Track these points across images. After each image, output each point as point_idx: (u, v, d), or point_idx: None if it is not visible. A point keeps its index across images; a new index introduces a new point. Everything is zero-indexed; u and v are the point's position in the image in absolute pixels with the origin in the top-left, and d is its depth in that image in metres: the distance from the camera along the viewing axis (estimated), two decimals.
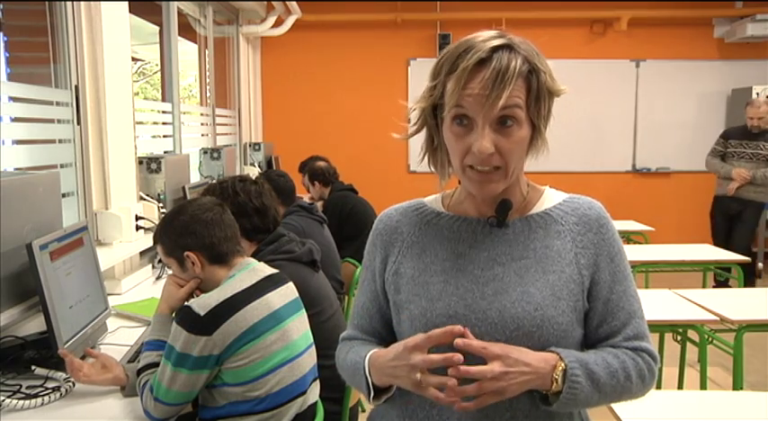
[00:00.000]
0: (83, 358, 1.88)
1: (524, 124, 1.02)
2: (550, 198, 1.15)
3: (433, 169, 1.14)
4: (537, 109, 1.03)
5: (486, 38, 1.02)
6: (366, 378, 1.09)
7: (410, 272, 1.13)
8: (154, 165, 3.47)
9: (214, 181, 2.42)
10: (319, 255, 2.27)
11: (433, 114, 1.08)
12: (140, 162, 3.39)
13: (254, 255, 2.12)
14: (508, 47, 1.02)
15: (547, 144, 1.08)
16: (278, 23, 6.47)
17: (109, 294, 2.29)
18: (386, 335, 1.19)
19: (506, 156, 1.02)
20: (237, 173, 5.45)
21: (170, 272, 1.80)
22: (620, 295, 1.09)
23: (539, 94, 1.02)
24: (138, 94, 10.01)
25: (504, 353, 0.98)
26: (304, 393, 1.70)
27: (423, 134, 1.13)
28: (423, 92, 1.08)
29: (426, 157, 1.13)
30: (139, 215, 2.99)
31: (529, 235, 1.10)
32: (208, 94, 5.59)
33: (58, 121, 2.69)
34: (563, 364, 1.01)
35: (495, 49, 1.01)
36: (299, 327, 1.73)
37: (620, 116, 7.07)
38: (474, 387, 0.98)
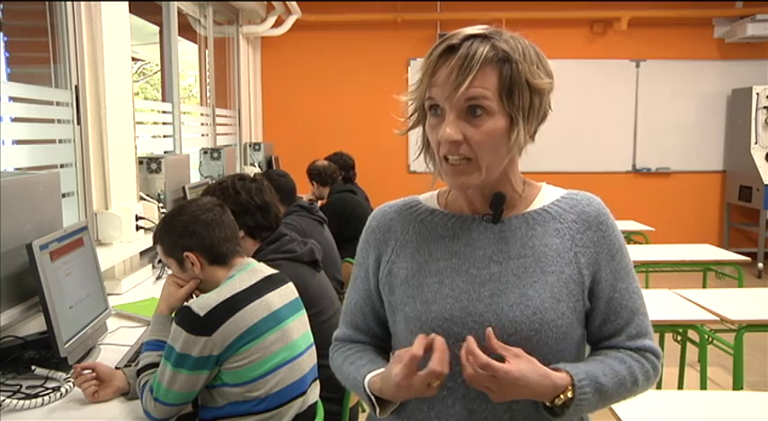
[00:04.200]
0: (86, 355, 1.88)
1: (497, 115, 0.99)
2: (548, 194, 1.12)
3: (429, 166, 1.11)
4: (511, 100, 0.99)
5: (468, 29, 1.01)
6: (370, 398, 1.07)
7: (404, 272, 1.10)
8: (154, 165, 3.48)
9: (214, 181, 2.42)
10: (321, 255, 2.27)
11: (423, 107, 1.06)
12: (140, 162, 3.39)
13: (255, 254, 2.12)
14: (482, 36, 1.00)
15: (525, 139, 1.02)
16: (278, 23, 6.47)
17: (109, 294, 2.29)
18: (380, 332, 1.18)
19: (475, 146, 0.99)
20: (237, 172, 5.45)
21: (170, 272, 1.80)
22: (623, 293, 1.07)
23: (512, 85, 0.98)
24: (138, 94, 10.00)
25: (511, 379, 0.95)
26: (304, 393, 1.70)
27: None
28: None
29: (422, 154, 1.11)
30: (139, 215, 2.99)
31: (526, 232, 1.07)
32: (208, 94, 5.59)
33: (58, 121, 2.68)
34: (571, 392, 0.99)
35: (468, 37, 1.00)
36: (299, 328, 1.73)
37: (620, 116, 7.07)
38: (474, 376, 0.96)
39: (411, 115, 1.09)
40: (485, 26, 1.02)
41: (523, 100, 1.00)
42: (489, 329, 0.98)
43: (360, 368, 1.11)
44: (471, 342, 0.96)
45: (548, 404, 1.01)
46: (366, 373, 1.08)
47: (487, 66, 0.98)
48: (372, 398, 1.06)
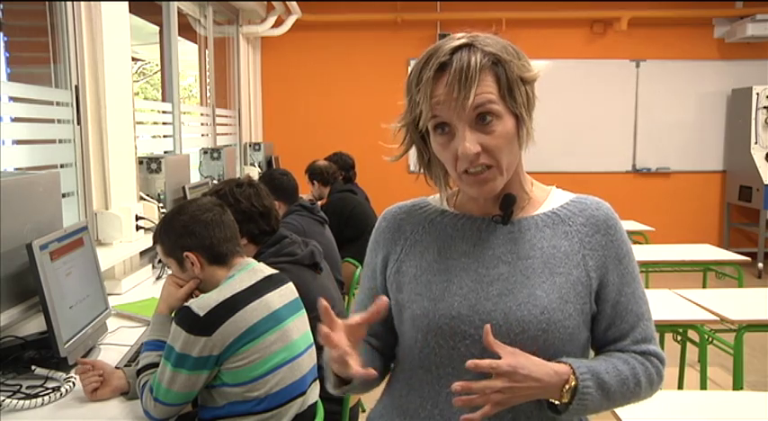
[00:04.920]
0: (86, 355, 1.88)
1: (505, 116, 1.00)
2: (557, 198, 1.13)
3: (432, 183, 1.12)
4: (513, 99, 1.00)
5: (448, 41, 1.02)
6: (330, 367, 1.07)
7: (412, 270, 1.11)
8: (154, 165, 3.47)
9: (215, 181, 2.41)
10: (322, 257, 2.26)
11: (416, 130, 1.06)
12: (140, 162, 3.39)
13: (255, 257, 2.11)
14: (467, 46, 1.00)
15: (532, 132, 1.04)
16: (278, 23, 6.47)
17: (109, 294, 2.29)
18: (384, 333, 1.17)
19: (494, 152, 1.00)
20: (237, 173, 5.46)
21: (170, 272, 1.80)
22: (629, 297, 1.08)
23: (510, 84, 1.00)
24: (138, 94, 10.00)
25: (513, 370, 0.96)
26: (304, 393, 1.70)
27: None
28: (403, 111, 1.06)
29: (423, 173, 1.12)
30: (139, 215, 2.99)
31: (535, 234, 1.08)
32: (208, 94, 5.59)
33: (58, 121, 2.68)
34: (574, 380, 1.00)
35: (455, 50, 1.00)
36: (299, 328, 1.73)
37: (620, 116, 7.07)
38: (478, 399, 0.97)
39: (403, 140, 1.09)
40: (461, 35, 1.03)
41: (522, 96, 1.02)
42: (488, 326, 0.99)
43: None
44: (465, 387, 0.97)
45: (551, 400, 1.01)
46: None
47: (483, 72, 0.99)
48: (328, 367, 1.07)
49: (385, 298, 0.97)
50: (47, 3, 2.70)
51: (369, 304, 1.17)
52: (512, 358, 0.97)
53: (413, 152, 1.13)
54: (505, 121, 1.00)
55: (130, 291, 2.77)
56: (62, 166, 2.69)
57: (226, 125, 5.85)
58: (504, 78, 1.00)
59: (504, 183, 1.04)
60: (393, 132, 1.09)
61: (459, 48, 1.00)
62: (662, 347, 3.50)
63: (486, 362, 0.96)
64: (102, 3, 2.81)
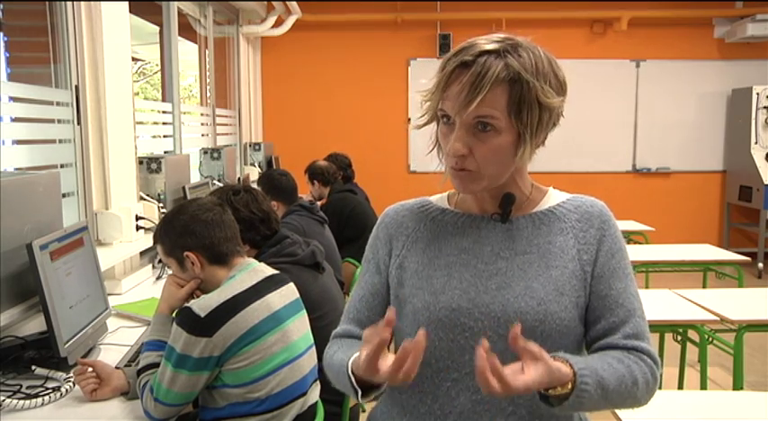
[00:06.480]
0: (86, 355, 1.88)
1: (505, 132, 1.02)
2: (554, 197, 1.17)
3: (442, 162, 1.13)
4: (519, 118, 1.02)
5: (484, 41, 1.03)
6: (350, 378, 1.04)
7: (414, 266, 1.14)
8: (154, 165, 3.48)
9: (215, 181, 2.40)
10: (323, 257, 2.25)
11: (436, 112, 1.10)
12: (140, 162, 3.39)
13: (256, 258, 2.11)
14: (497, 52, 1.01)
15: (531, 153, 1.05)
16: (278, 23, 6.47)
17: (109, 294, 2.29)
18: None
19: (480, 160, 1.04)
20: (237, 173, 5.46)
21: (170, 272, 1.80)
22: (620, 292, 1.09)
23: (521, 104, 1.01)
24: (138, 94, 10.00)
25: (527, 388, 0.91)
26: (304, 394, 1.70)
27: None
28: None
29: (436, 150, 1.14)
30: (139, 215, 2.99)
31: (533, 231, 1.12)
32: (208, 94, 5.59)
33: (59, 121, 2.68)
34: (573, 378, 0.97)
35: (483, 53, 1.01)
36: (300, 328, 1.73)
37: (620, 116, 7.07)
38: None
39: (424, 114, 1.12)
40: (500, 38, 1.03)
41: (532, 117, 1.02)
42: (517, 328, 0.91)
43: (347, 351, 1.09)
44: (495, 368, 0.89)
45: (544, 392, 0.98)
46: (353, 355, 1.05)
47: (498, 86, 1.00)
48: (352, 377, 1.03)
49: (421, 341, 0.90)
50: (47, 3, 2.70)
51: (371, 299, 1.19)
52: (532, 372, 0.92)
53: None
54: (504, 137, 1.03)
55: (130, 291, 2.77)
56: (62, 166, 2.69)
57: (226, 125, 5.85)
58: (518, 97, 1.01)
59: (484, 186, 1.08)
60: (420, 101, 1.11)
61: (489, 52, 1.01)
62: (662, 347, 3.47)
63: (512, 386, 0.90)
64: (102, 3, 2.81)
